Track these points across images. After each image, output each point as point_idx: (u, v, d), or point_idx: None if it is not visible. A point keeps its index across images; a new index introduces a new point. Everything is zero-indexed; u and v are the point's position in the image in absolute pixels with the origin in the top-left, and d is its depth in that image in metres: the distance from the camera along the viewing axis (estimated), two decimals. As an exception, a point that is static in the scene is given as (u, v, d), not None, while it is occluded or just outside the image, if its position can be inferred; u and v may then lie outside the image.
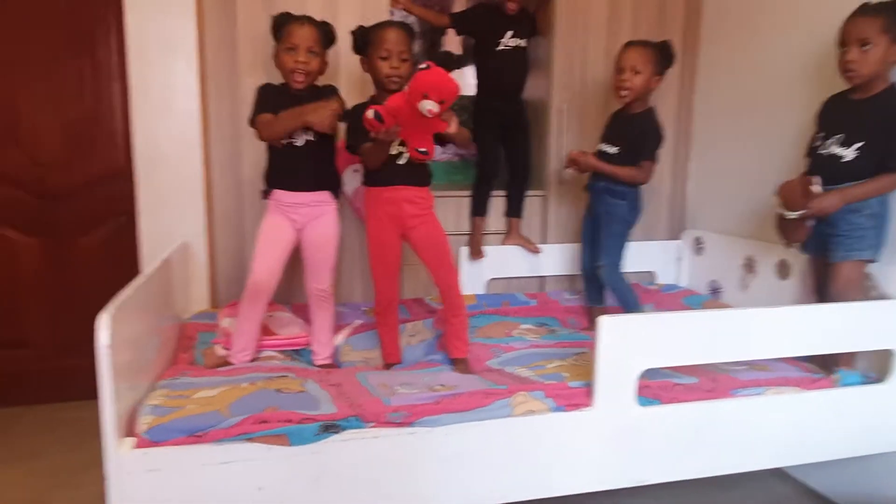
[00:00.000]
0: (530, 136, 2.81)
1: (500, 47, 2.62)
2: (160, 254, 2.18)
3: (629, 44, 2.36)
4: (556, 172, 2.83)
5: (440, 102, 1.78)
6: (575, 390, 1.72)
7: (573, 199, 2.88)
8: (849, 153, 1.88)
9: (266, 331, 2.20)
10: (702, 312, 2.07)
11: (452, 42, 3.09)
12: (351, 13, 2.48)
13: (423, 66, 1.81)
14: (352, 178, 2.51)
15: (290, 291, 2.48)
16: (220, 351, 2.10)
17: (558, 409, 1.68)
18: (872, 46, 1.82)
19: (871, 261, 1.93)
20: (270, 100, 2.04)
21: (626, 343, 1.69)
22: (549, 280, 2.93)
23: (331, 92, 2.09)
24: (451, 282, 2.10)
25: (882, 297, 1.98)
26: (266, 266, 2.06)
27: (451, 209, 2.73)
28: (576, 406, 1.69)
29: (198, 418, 1.50)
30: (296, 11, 2.06)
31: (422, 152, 1.92)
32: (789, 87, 2.38)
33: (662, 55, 2.33)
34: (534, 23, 2.78)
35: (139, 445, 1.44)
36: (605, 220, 2.46)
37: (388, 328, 2.19)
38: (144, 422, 1.48)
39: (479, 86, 2.75)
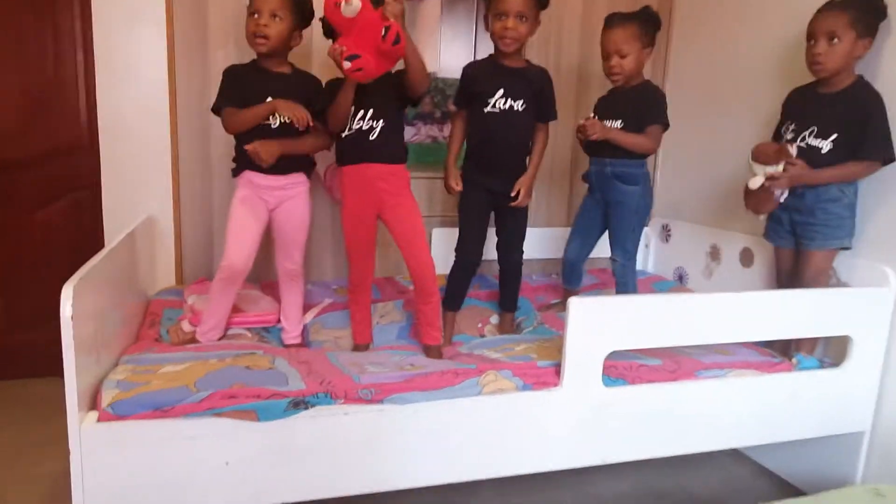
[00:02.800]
0: (526, 218, 2.33)
1: (489, 108, 2.16)
2: (125, 229, 2.13)
3: (610, 24, 2.19)
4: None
5: None
6: (543, 370, 1.75)
7: (550, 183, 2.90)
8: (825, 144, 1.92)
9: (235, 308, 2.17)
10: (668, 296, 2.11)
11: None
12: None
13: None
14: (323, 157, 2.48)
15: (259, 269, 2.44)
16: (186, 327, 2.07)
17: (526, 387, 1.70)
18: (839, 41, 1.86)
19: (847, 248, 1.98)
20: (237, 87, 2.00)
21: (594, 324, 1.71)
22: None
23: (315, 87, 2.06)
24: (424, 267, 2.05)
25: (841, 285, 2.05)
26: (241, 251, 2.00)
27: (423, 190, 2.71)
28: (544, 385, 1.72)
29: (164, 393, 1.48)
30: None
31: (352, 57, 1.80)
32: (758, 79, 2.42)
33: (647, 27, 2.18)
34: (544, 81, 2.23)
35: (102, 419, 1.42)
36: (617, 211, 2.27)
37: (360, 307, 2.18)
38: (108, 396, 1.45)
39: (466, 154, 2.27)
